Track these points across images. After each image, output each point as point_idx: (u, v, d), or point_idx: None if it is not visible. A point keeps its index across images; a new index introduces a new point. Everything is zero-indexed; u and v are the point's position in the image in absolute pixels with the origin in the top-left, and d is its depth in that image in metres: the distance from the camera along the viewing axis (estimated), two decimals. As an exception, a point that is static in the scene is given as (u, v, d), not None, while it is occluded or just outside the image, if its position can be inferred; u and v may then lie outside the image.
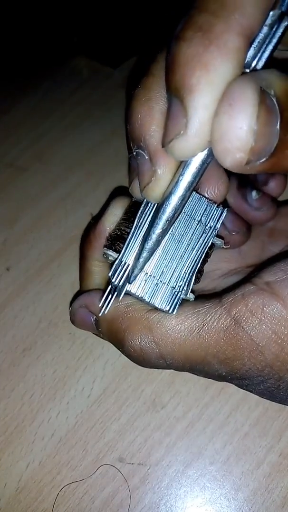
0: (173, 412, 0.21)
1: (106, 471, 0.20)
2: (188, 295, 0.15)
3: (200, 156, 0.12)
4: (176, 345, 0.14)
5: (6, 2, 0.33)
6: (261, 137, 0.10)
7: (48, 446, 0.21)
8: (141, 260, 0.14)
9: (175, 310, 0.15)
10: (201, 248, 0.15)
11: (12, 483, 0.20)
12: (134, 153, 0.13)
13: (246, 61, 0.11)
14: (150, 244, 0.14)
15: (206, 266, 0.16)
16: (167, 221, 0.13)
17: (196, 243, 0.15)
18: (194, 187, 0.13)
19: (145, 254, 0.14)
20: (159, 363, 0.15)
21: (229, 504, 0.20)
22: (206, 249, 0.15)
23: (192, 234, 0.15)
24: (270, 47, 0.11)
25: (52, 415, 0.21)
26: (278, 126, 0.10)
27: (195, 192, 0.15)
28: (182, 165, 0.12)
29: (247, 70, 0.11)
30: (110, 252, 0.16)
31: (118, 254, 0.15)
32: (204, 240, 0.15)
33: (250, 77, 0.10)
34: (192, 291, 0.15)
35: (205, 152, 0.12)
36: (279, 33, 0.11)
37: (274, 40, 0.11)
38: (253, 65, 0.11)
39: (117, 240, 0.16)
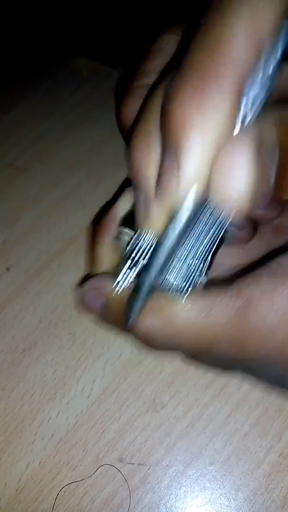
0: (173, 412, 0.21)
1: (106, 471, 0.20)
2: (202, 275, 0.15)
3: (192, 202, 0.12)
4: (186, 325, 0.14)
5: (6, 2, 0.33)
6: (259, 190, 0.10)
7: (48, 446, 0.21)
8: (141, 295, 0.15)
9: (190, 287, 0.15)
10: (217, 231, 0.15)
11: (12, 483, 0.20)
12: (136, 195, 0.14)
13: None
14: (148, 278, 0.14)
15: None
16: (163, 263, 0.14)
17: (212, 226, 0.15)
18: (188, 226, 0.13)
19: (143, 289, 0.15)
20: (167, 343, 0.15)
21: (229, 504, 0.20)
22: (221, 233, 0.15)
23: (208, 218, 0.15)
24: (262, 97, 0.11)
25: (52, 415, 0.21)
26: (274, 172, 0.10)
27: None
28: (176, 210, 0.13)
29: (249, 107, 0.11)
30: (127, 230, 0.16)
31: (134, 232, 0.15)
32: (220, 225, 0.15)
33: (245, 137, 0.10)
34: (205, 274, 0.15)
35: (197, 198, 0.12)
36: (270, 84, 0.11)
37: (266, 91, 0.11)
38: (247, 118, 0.11)
39: (133, 220, 0.16)
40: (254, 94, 0.11)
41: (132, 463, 0.20)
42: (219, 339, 0.14)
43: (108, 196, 0.26)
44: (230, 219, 0.15)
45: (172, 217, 0.13)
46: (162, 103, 0.12)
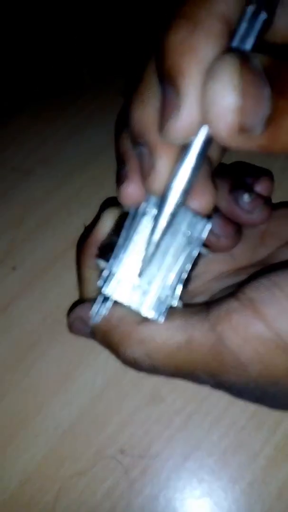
0: (172, 406, 0.21)
1: (107, 464, 0.21)
2: (174, 303, 0.16)
3: (197, 144, 0.12)
4: (166, 358, 0.15)
5: (9, 9, 0.34)
6: (248, 96, 0.10)
7: (52, 440, 0.21)
8: (131, 270, 0.15)
9: (162, 318, 0.15)
10: (187, 257, 0.16)
11: (16, 475, 0.21)
12: (136, 152, 0.14)
13: (234, 45, 0.11)
14: (156, 236, 0.14)
15: (197, 269, 0.17)
16: (170, 212, 0.14)
17: (181, 254, 0.16)
18: (194, 179, 0.13)
19: (134, 263, 0.15)
20: (152, 372, 0.16)
21: (226, 496, 0.20)
22: (192, 260, 0.16)
23: (177, 245, 0.16)
24: (251, 41, 0.12)
25: (56, 409, 0.22)
26: (267, 91, 0.10)
27: (181, 204, 0.15)
28: (180, 156, 0.13)
29: None
30: (100, 261, 0.16)
31: (107, 263, 0.16)
32: (189, 251, 0.16)
33: (231, 52, 0.11)
34: (180, 298, 0.16)
35: (202, 138, 0.12)
36: (257, 27, 0.12)
37: (254, 33, 0.12)
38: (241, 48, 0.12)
39: (107, 249, 0.16)
40: (242, 34, 0.11)
41: (132, 456, 0.21)
42: (198, 370, 0.15)
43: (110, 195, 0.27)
44: (204, 229, 0.15)
45: (178, 159, 0.13)
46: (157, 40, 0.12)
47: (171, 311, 0.16)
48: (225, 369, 0.14)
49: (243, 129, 0.10)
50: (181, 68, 0.11)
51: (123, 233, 0.16)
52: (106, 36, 0.33)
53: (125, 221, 0.16)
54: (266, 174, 0.20)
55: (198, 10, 0.11)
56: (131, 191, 0.15)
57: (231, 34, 0.12)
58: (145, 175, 0.14)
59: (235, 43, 0.12)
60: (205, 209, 0.16)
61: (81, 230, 0.26)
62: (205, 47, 0.11)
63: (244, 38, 0.12)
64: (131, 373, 0.22)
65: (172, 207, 0.14)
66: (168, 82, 0.12)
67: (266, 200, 0.19)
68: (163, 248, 0.16)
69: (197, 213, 0.16)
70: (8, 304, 0.24)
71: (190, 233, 0.16)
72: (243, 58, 0.10)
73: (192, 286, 0.19)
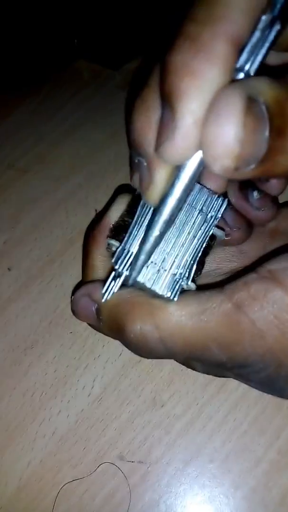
0: (172, 411, 0.21)
1: (106, 469, 0.20)
2: (189, 284, 0.15)
3: (193, 163, 0.12)
4: (176, 329, 0.14)
5: (6, 5, 0.33)
6: (247, 144, 0.10)
7: (49, 444, 0.21)
8: (139, 262, 0.15)
9: (176, 297, 0.15)
10: (202, 236, 0.15)
11: (14, 481, 0.20)
12: (136, 161, 0.14)
13: (239, 65, 0.11)
14: (147, 246, 0.14)
15: (208, 265, 0.16)
16: (163, 223, 0.14)
17: (197, 232, 0.15)
18: (190, 190, 0.13)
19: (142, 257, 0.15)
20: (158, 349, 0.15)
21: (228, 502, 0.20)
22: (207, 238, 0.16)
23: (193, 223, 0.15)
24: (263, 51, 0.11)
25: (53, 413, 0.21)
26: (267, 133, 0.10)
27: (196, 183, 0.15)
28: (177, 171, 0.13)
29: (241, 74, 0.11)
30: (113, 242, 0.16)
31: (121, 243, 0.15)
32: (205, 229, 0.15)
33: (238, 85, 0.10)
34: (193, 281, 0.15)
35: (198, 158, 0.12)
36: (271, 37, 0.11)
37: (267, 44, 0.11)
38: (246, 68, 0.11)
39: (120, 230, 0.16)
40: (254, 43, 0.11)
41: (132, 461, 0.20)
42: (209, 343, 0.14)
43: (109, 197, 0.26)
44: (219, 210, 0.15)
45: (174, 175, 0.13)
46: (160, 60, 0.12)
47: (184, 292, 0.15)
48: (240, 339, 0.14)
49: (237, 169, 0.10)
50: (179, 91, 0.11)
51: (137, 211, 0.15)
52: (105, 31, 0.32)
53: (138, 202, 0.16)
54: None
55: (203, 30, 0.11)
56: None
57: (239, 52, 0.11)
58: (142, 186, 0.14)
59: (244, 55, 0.11)
60: (221, 188, 0.16)
61: (79, 229, 0.26)
62: (207, 72, 0.11)
63: (254, 50, 0.11)
64: (132, 376, 0.22)
65: (168, 215, 0.14)
66: (166, 103, 0.11)
67: (273, 199, 0.19)
68: (178, 225, 0.15)
69: (212, 192, 0.16)
70: (3, 305, 0.24)
71: (206, 211, 0.16)
72: (249, 99, 0.10)
73: (202, 282, 0.18)
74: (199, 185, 0.16)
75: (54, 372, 0.22)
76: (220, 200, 0.16)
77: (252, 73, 0.11)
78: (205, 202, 0.16)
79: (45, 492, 0.20)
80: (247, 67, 0.11)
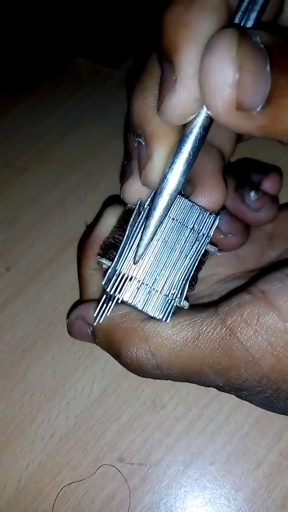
0: (173, 412, 0.21)
1: (106, 471, 0.20)
2: (181, 303, 0.15)
3: (193, 135, 0.12)
4: (172, 355, 0.14)
5: (6, 3, 0.33)
6: (246, 73, 0.10)
7: (48, 446, 0.21)
8: (136, 267, 0.14)
9: (168, 318, 0.15)
10: (194, 255, 0.15)
11: (12, 483, 0.20)
12: (135, 144, 0.14)
13: (236, 21, 0.11)
14: (147, 235, 0.14)
15: (203, 271, 0.16)
16: (164, 207, 0.13)
17: (189, 251, 0.15)
18: (188, 172, 0.13)
19: (141, 248, 0.14)
20: (155, 373, 0.15)
21: (229, 504, 0.20)
22: (199, 257, 0.15)
23: (184, 242, 0.15)
24: (254, 16, 0.11)
25: (52, 415, 0.21)
26: (268, 68, 0.10)
27: (187, 200, 0.15)
28: (176, 148, 0.13)
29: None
30: (103, 261, 0.16)
31: (111, 262, 0.15)
32: (197, 248, 0.15)
33: (232, 28, 0.10)
34: (186, 299, 0.15)
35: (197, 128, 0.12)
36: (260, 1, 0.11)
37: (257, 8, 0.11)
38: (242, 23, 0.11)
39: (110, 248, 0.16)
40: (244, 7, 0.11)
41: (132, 463, 0.20)
42: (204, 369, 0.14)
43: (109, 195, 0.26)
44: (214, 221, 0.15)
45: (173, 152, 0.13)
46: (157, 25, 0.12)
47: (177, 311, 0.15)
48: (235, 365, 0.13)
49: (240, 106, 0.10)
50: (176, 44, 0.11)
51: (127, 231, 0.15)
52: (104, 29, 0.32)
53: (128, 218, 0.15)
54: (275, 170, 0.19)
55: None
56: (135, 188, 0.15)
57: (230, 9, 0.11)
58: (141, 166, 0.13)
59: (236, 19, 0.11)
60: (214, 206, 0.15)
61: (78, 228, 0.25)
62: (201, 23, 0.11)
63: (247, 13, 0.11)
64: (131, 378, 0.22)
65: (167, 199, 0.13)
66: (165, 59, 0.11)
67: (273, 199, 0.18)
68: (169, 244, 0.15)
69: (204, 209, 0.15)
70: (1, 306, 0.24)
71: (197, 229, 0.15)
72: (243, 32, 0.10)
73: (198, 289, 0.18)
74: (189, 202, 0.15)
75: (53, 373, 0.22)
76: (212, 217, 0.15)
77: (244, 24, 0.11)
78: (196, 219, 0.15)
79: (44, 494, 0.20)
80: (242, 23, 0.11)
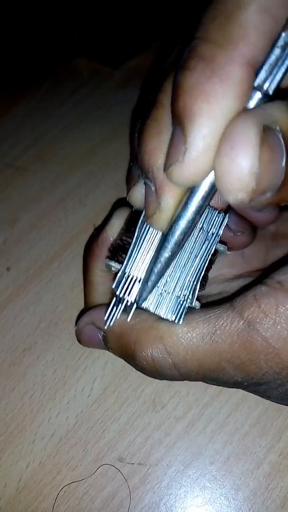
0: (173, 412, 0.21)
1: (106, 471, 0.20)
2: (193, 303, 0.15)
3: (204, 187, 0.12)
4: (188, 353, 0.14)
5: (6, 3, 0.33)
6: (264, 177, 0.10)
7: (48, 446, 0.21)
8: (150, 283, 0.14)
9: (181, 320, 0.14)
10: (204, 255, 0.15)
11: (12, 483, 0.20)
12: (143, 182, 0.14)
13: (256, 84, 0.11)
14: (158, 267, 0.14)
15: (210, 272, 0.16)
16: (171, 251, 0.14)
17: (199, 251, 0.15)
18: (197, 219, 0.13)
19: (153, 278, 0.14)
20: (172, 373, 0.15)
21: (229, 504, 0.20)
22: (209, 256, 0.15)
23: (194, 242, 0.15)
24: (283, 69, 0.11)
25: (52, 415, 0.21)
26: (283, 163, 0.10)
27: None
28: (185, 198, 0.13)
29: (258, 94, 0.11)
30: (112, 263, 0.16)
31: (120, 265, 0.15)
32: (206, 247, 0.15)
33: (252, 114, 0.10)
34: (198, 299, 0.15)
35: (207, 185, 0.12)
36: None
37: (286, 64, 0.11)
38: (264, 88, 0.11)
39: (119, 251, 0.16)
40: (273, 60, 0.10)
41: (132, 463, 0.20)
42: (223, 364, 0.14)
43: (109, 196, 0.26)
44: (218, 238, 0.15)
45: (183, 202, 0.13)
46: (174, 78, 0.11)
47: (189, 312, 0.15)
48: (255, 357, 0.13)
49: (252, 201, 0.10)
50: (191, 113, 0.10)
51: (136, 232, 0.15)
52: (105, 29, 0.32)
53: (136, 220, 0.15)
54: None
55: (218, 53, 0.10)
56: (142, 192, 0.14)
57: (255, 75, 0.11)
58: (149, 211, 0.13)
59: (263, 72, 0.10)
60: (222, 203, 0.15)
61: (78, 228, 0.25)
62: (222, 96, 0.10)
63: (274, 67, 0.10)
64: (131, 378, 0.22)
65: (177, 239, 0.13)
66: (177, 124, 0.11)
67: None
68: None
69: (213, 208, 0.15)
70: (2, 306, 0.24)
71: (207, 228, 0.15)
72: (265, 130, 0.09)
73: (206, 289, 0.18)
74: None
75: (53, 373, 0.22)
76: (220, 216, 0.15)
77: (270, 92, 0.11)
78: (205, 219, 0.15)
79: (44, 494, 0.20)
80: (265, 86, 0.11)
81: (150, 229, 0.15)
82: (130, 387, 0.21)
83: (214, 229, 0.15)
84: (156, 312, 0.15)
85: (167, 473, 0.20)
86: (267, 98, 0.11)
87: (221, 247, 0.16)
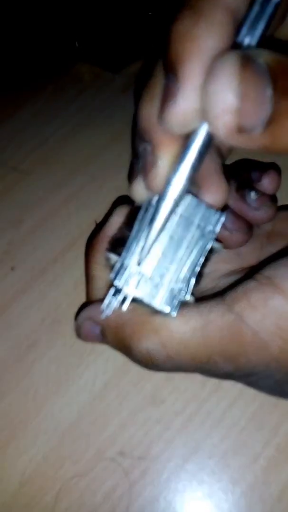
0: (172, 407, 0.21)
1: (107, 465, 0.21)
2: (187, 297, 0.15)
3: (198, 141, 0.12)
4: (182, 345, 0.14)
5: (8, 7, 0.33)
6: (247, 99, 0.10)
7: (51, 440, 0.21)
8: (144, 261, 0.15)
9: (175, 312, 0.15)
10: (200, 251, 0.15)
11: (16, 476, 0.21)
12: (141, 150, 0.14)
13: (239, 40, 0.12)
14: (152, 235, 0.14)
15: (205, 268, 0.17)
16: (167, 212, 0.14)
17: (195, 247, 0.15)
18: (192, 176, 0.13)
19: (147, 255, 0.15)
20: (167, 365, 0.15)
21: (226, 498, 0.20)
22: (205, 253, 0.16)
23: (191, 238, 0.15)
24: (262, 25, 0.11)
25: (55, 409, 0.22)
26: (269, 91, 0.10)
27: (193, 197, 0.16)
28: (181, 155, 0.13)
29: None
30: (111, 255, 0.16)
31: (119, 257, 0.16)
32: (203, 244, 0.15)
33: (236, 50, 0.11)
34: (192, 293, 0.16)
35: (202, 136, 0.12)
36: (269, 10, 0.11)
37: (265, 17, 0.11)
38: (245, 42, 0.12)
39: (118, 244, 0.16)
40: (253, 17, 0.11)
41: (132, 457, 0.21)
42: (214, 357, 0.14)
43: (111, 198, 0.27)
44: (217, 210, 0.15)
45: (178, 159, 0.13)
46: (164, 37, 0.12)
47: (183, 305, 0.15)
48: (244, 350, 0.14)
49: (241, 130, 0.10)
50: (181, 56, 0.11)
51: (135, 226, 0.15)
52: (106, 34, 0.32)
53: (137, 215, 0.16)
54: (273, 167, 0.20)
55: (203, 1, 0.11)
56: (143, 186, 0.15)
57: (237, 24, 0.12)
58: (146, 172, 0.14)
59: (244, 29, 0.12)
60: (218, 202, 0.16)
61: (80, 230, 0.26)
62: (207, 37, 0.11)
63: (254, 24, 0.12)
64: (132, 373, 0.22)
65: (171, 203, 0.14)
66: (169, 70, 0.12)
67: (272, 199, 0.19)
68: (176, 240, 0.15)
69: (210, 207, 0.16)
70: (7, 304, 0.24)
71: (203, 225, 0.15)
72: (246, 57, 0.10)
73: (200, 284, 0.18)
74: (196, 199, 0.16)
75: (57, 369, 0.22)
76: (217, 214, 0.16)
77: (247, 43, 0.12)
78: (202, 216, 0.15)
79: (47, 487, 0.20)
80: (246, 40, 0.12)
81: (149, 222, 0.15)
82: (131, 383, 0.22)
83: (211, 226, 0.16)
84: (150, 303, 0.15)
85: (166, 467, 0.21)
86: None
87: (217, 245, 0.16)
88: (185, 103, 0.11)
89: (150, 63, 0.14)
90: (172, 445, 0.21)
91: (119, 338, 0.16)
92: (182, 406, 0.21)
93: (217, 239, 0.16)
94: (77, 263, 0.25)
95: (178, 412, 0.21)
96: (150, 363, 0.15)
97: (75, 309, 0.24)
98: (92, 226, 0.26)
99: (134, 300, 0.16)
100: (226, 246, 0.18)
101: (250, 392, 0.21)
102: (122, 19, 0.32)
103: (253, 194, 0.18)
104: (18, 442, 0.21)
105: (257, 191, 0.18)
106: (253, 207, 0.18)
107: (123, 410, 0.21)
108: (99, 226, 0.18)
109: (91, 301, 0.19)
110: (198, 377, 0.22)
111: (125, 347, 0.16)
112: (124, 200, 0.17)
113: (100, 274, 0.18)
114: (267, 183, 0.19)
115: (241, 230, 0.18)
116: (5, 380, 0.22)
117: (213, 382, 0.22)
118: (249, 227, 0.19)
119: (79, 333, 0.18)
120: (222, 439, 0.21)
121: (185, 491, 0.20)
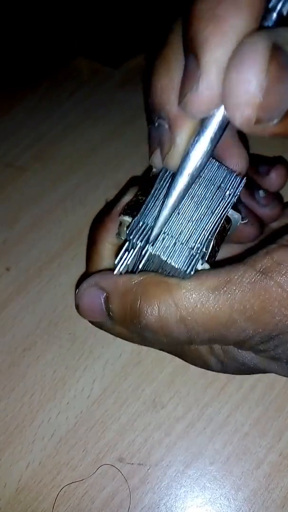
0: (173, 412, 0.21)
1: (106, 471, 0.20)
2: (204, 262, 0.15)
3: (215, 121, 0.12)
4: (198, 305, 0.13)
5: (7, 2, 0.33)
6: (270, 93, 0.09)
7: (48, 446, 0.21)
8: (161, 218, 0.14)
9: (192, 271, 0.14)
10: (220, 212, 0.15)
11: (12, 483, 0.20)
12: (156, 124, 0.14)
13: (271, 5, 0.11)
14: (173, 195, 0.14)
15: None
16: (183, 187, 0.13)
17: (215, 207, 0.15)
18: (210, 153, 0.13)
19: (165, 213, 0.14)
20: (179, 331, 0.14)
21: (229, 504, 0.20)
22: (225, 216, 0.15)
23: (211, 199, 0.15)
24: None
25: (52, 415, 0.21)
26: None
27: (215, 160, 0.15)
28: (199, 130, 0.12)
29: (273, 14, 0.11)
30: (126, 218, 0.15)
31: (136, 217, 0.15)
32: (223, 205, 0.15)
33: (264, 32, 0.10)
34: (208, 262, 0.15)
35: (220, 117, 0.12)
36: None
37: None
38: (278, 8, 0.11)
39: (133, 208, 0.15)
40: None
41: (132, 463, 0.20)
42: (235, 316, 0.13)
43: (108, 196, 0.26)
44: (239, 180, 0.15)
45: (195, 136, 0.12)
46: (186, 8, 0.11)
47: (198, 272, 0.14)
48: (268, 305, 0.13)
49: (259, 121, 0.10)
50: (204, 38, 0.10)
51: (155, 185, 0.15)
52: (105, 29, 0.32)
53: (151, 185, 0.15)
54: (281, 162, 0.20)
55: None
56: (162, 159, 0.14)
57: (266, 2, 0.11)
58: (163, 149, 0.13)
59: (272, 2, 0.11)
60: (240, 168, 0.16)
61: (77, 228, 0.25)
62: (233, 18, 0.10)
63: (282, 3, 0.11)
64: (131, 378, 0.22)
65: (187, 179, 0.13)
66: (190, 52, 0.11)
67: (279, 197, 0.20)
68: (196, 200, 0.15)
69: (231, 170, 0.15)
70: (2, 306, 0.24)
71: (224, 187, 0.15)
72: (275, 46, 0.09)
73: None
74: (217, 162, 0.15)
75: (53, 373, 0.22)
76: (238, 178, 0.15)
77: (285, 13, 0.11)
78: (223, 179, 0.15)
79: (44, 494, 0.20)
80: (279, 6, 0.11)
81: (169, 182, 0.15)
82: (130, 387, 0.21)
83: (232, 189, 0.15)
84: (167, 260, 0.14)
85: (167, 473, 0.20)
86: (281, 20, 0.11)
87: (236, 215, 0.16)
88: (208, 92, 0.11)
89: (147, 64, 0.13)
90: (173, 451, 0.20)
91: (126, 303, 0.15)
92: (183, 411, 0.21)
93: (236, 209, 0.16)
94: (74, 263, 0.24)
95: (179, 417, 0.21)
96: (160, 329, 0.14)
97: (73, 311, 0.23)
98: (89, 225, 0.25)
99: (149, 258, 0.15)
100: (239, 238, 0.18)
101: (254, 397, 0.21)
102: (121, 14, 0.31)
103: (261, 192, 0.19)
104: (14, 448, 0.21)
105: (265, 190, 0.19)
106: (262, 204, 0.19)
107: (123, 416, 0.21)
108: (111, 205, 0.17)
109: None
110: (200, 382, 0.21)
111: (132, 313, 0.14)
112: (138, 181, 0.17)
113: (108, 253, 0.17)
114: (274, 177, 0.19)
115: (254, 224, 0.18)
116: (0, 384, 0.22)
117: (215, 386, 0.21)
118: (260, 222, 0.19)
119: (79, 304, 0.16)
120: (224, 445, 0.20)
121: (186, 497, 0.20)
